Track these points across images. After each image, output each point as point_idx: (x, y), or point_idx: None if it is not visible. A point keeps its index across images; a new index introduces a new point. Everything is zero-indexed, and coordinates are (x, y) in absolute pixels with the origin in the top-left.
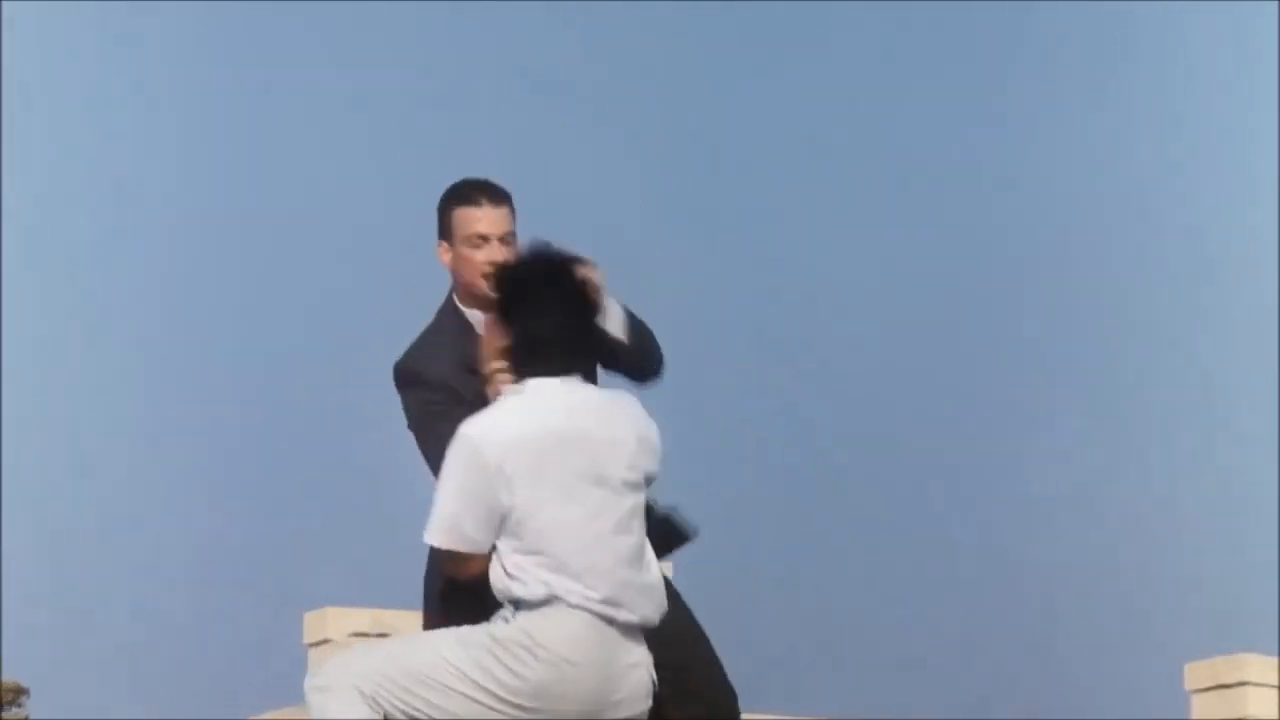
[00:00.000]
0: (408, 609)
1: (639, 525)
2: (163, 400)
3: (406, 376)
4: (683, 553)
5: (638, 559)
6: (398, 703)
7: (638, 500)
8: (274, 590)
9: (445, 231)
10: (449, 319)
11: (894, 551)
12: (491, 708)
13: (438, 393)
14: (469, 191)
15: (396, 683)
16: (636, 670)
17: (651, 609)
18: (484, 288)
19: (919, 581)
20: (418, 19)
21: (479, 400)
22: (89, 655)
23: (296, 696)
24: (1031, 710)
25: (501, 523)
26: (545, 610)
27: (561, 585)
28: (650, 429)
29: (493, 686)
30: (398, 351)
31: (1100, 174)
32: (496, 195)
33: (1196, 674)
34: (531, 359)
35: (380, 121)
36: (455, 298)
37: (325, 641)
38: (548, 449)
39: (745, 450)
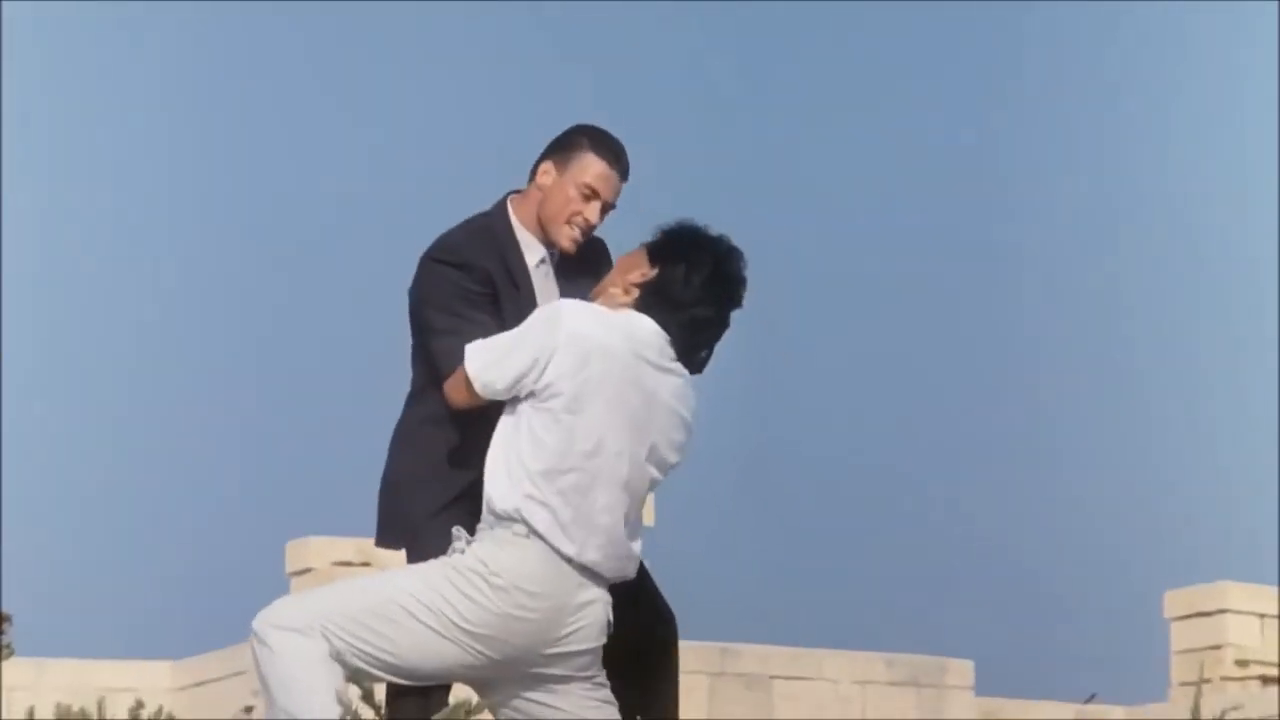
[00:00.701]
0: None
1: (645, 499)
2: (148, 326)
3: (452, 257)
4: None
5: (633, 531)
6: (355, 642)
7: (657, 479)
8: (256, 519)
9: (562, 160)
10: (501, 227)
11: (870, 480)
12: (449, 638)
13: (479, 283)
14: (610, 147)
15: (355, 620)
16: (593, 606)
17: (617, 573)
18: (562, 231)
19: (898, 512)
20: (418, 19)
21: (512, 314)
22: (70, 584)
23: None
24: (1012, 640)
25: (528, 393)
26: (505, 538)
27: (541, 512)
28: (692, 428)
29: (451, 615)
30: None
31: (1099, 174)
32: (625, 165)
33: (1175, 602)
34: (658, 315)
35: (377, 121)
36: (513, 212)
37: (307, 571)
38: (623, 376)
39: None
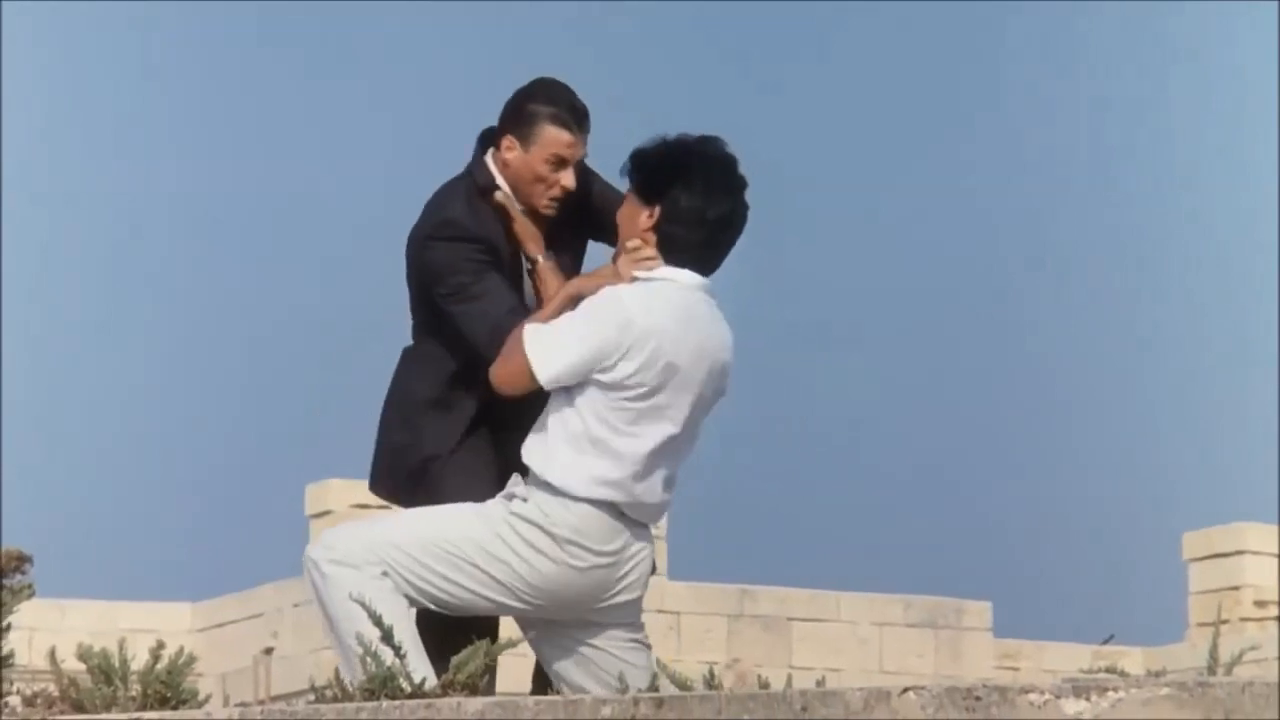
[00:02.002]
0: None
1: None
2: (169, 271)
3: (452, 228)
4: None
5: (675, 479)
6: (412, 578)
7: (704, 422)
8: (275, 462)
9: (523, 135)
10: (491, 189)
11: (878, 424)
12: (507, 585)
13: (488, 253)
14: (568, 113)
15: (414, 557)
16: (644, 556)
17: (658, 520)
18: (541, 203)
19: (915, 456)
20: (417, 19)
21: (515, 279)
22: (90, 527)
23: (298, 568)
24: (1029, 582)
25: (595, 377)
26: (566, 497)
27: (605, 489)
28: (731, 359)
29: (514, 563)
30: (402, 235)
31: (1100, 173)
32: (587, 121)
33: (1194, 543)
34: (683, 243)
35: (374, 120)
36: (497, 173)
37: (327, 513)
38: (684, 364)
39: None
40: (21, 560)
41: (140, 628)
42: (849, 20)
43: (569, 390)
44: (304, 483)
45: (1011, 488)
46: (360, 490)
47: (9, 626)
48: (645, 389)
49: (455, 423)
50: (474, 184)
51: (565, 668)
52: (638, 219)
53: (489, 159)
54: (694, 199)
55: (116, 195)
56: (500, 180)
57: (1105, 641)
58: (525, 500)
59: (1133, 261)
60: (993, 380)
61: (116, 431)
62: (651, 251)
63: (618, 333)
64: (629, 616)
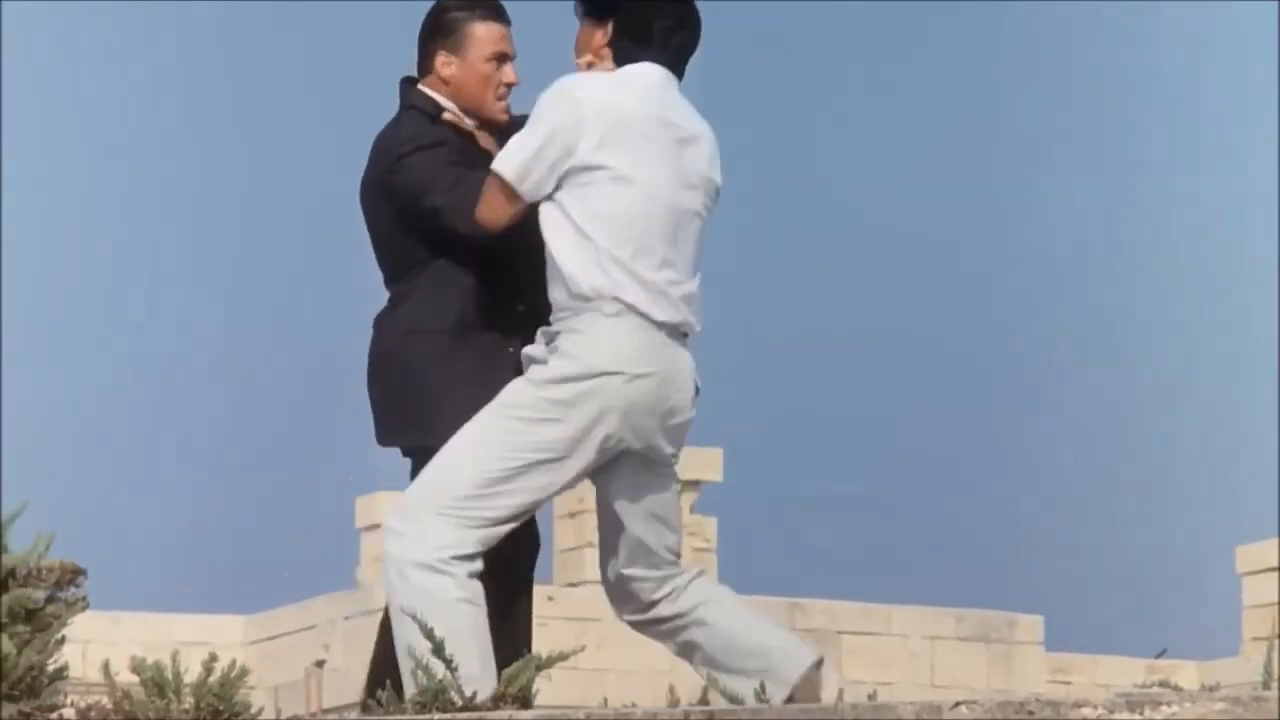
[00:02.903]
0: None
1: (702, 232)
2: (213, 289)
3: (418, 140)
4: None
5: (696, 266)
6: (477, 517)
7: (709, 205)
8: (326, 475)
9: (454, 43)
10: (435, 111)
11: (926, 438)
12: (567, 456)
13: (455, 151)
14: (491, 10)
15: (469, 499)
16: (688, 369)
17: (698, 319)
18: (495, 107)
19: (967, 469)
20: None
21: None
22: (144, 540)
23: (349, 581)
24: (1082, 596)
25: (568, 176)
26: (594, 321)
27: (630, 288)
28: (711, 142)
29: (560, 434)
30: None
31: (1098, 173)
32: (507, 15)
33: (1247, 557)
34: (640, 52)
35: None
36: (435, 94)
37: (377, 526)
38: (649, 131)
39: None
40: (75, 573)
41: (193, 640)
42: (848, 20)
43: (554, 211)
44: (354, 495)
45: (1063, 500)
46: None
47: (63, 639)
48: (618, 167)
49: (465, 347)
50: (419, 115)
51: (624, 508)
52: (592, 39)
53: (424, 89)
54: (645, 7)
55: (170, 199)
56: (444, 102)
57: (1159, 655)
58: (545, 362)
59: (1177, 271)
60: (1047, 393)
61: (169, 445)
62: (610, 66)
63: (571, 107)
64: (678, 444)
